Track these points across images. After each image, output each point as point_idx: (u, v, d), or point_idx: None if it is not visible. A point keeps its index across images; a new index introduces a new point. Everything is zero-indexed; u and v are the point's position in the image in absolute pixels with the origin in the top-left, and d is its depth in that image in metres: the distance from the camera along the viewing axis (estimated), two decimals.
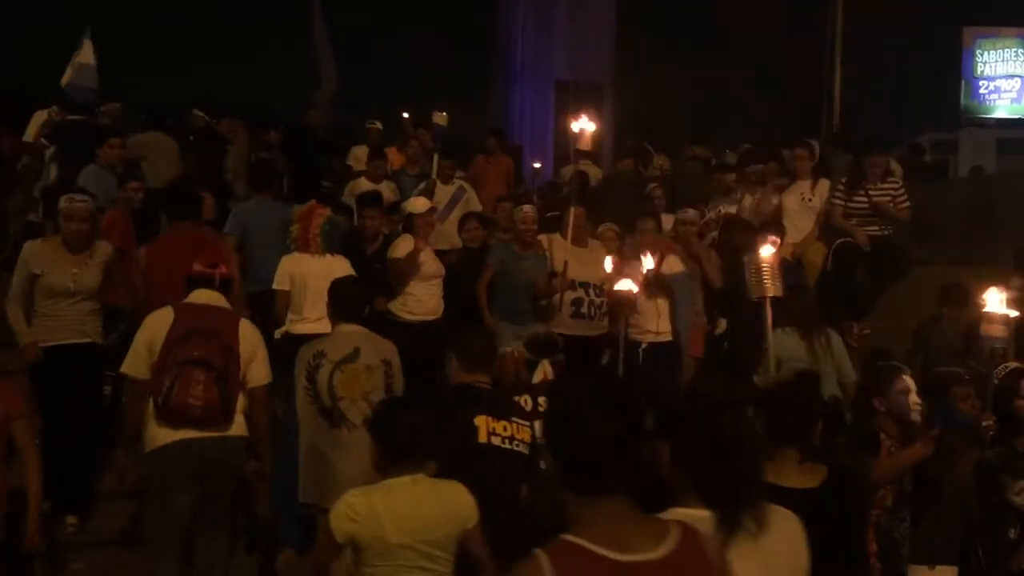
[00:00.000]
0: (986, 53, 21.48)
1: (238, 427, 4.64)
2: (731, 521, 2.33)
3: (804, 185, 8.33)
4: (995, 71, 21.42)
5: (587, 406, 2.10)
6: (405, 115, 11.93)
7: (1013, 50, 21.40)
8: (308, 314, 6.12)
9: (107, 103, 10.13)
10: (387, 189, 9.16)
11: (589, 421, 2.08)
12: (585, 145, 7.54)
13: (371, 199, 7.86)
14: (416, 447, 2.99)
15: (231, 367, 4.56)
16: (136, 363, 4.57)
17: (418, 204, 7.37)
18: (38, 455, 4.50)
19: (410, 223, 7.25)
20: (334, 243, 6.39)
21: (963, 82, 21.47)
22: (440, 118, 10.03)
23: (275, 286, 6.22)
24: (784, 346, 5.91)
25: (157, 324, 4.58)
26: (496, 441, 4.19)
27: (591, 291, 7.12)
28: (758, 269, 5.10)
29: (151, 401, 4.50)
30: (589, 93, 16.08)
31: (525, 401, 4.96)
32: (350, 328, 4.96)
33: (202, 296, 4.74)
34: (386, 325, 6.19)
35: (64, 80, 10.30)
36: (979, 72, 21.46)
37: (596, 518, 2.06)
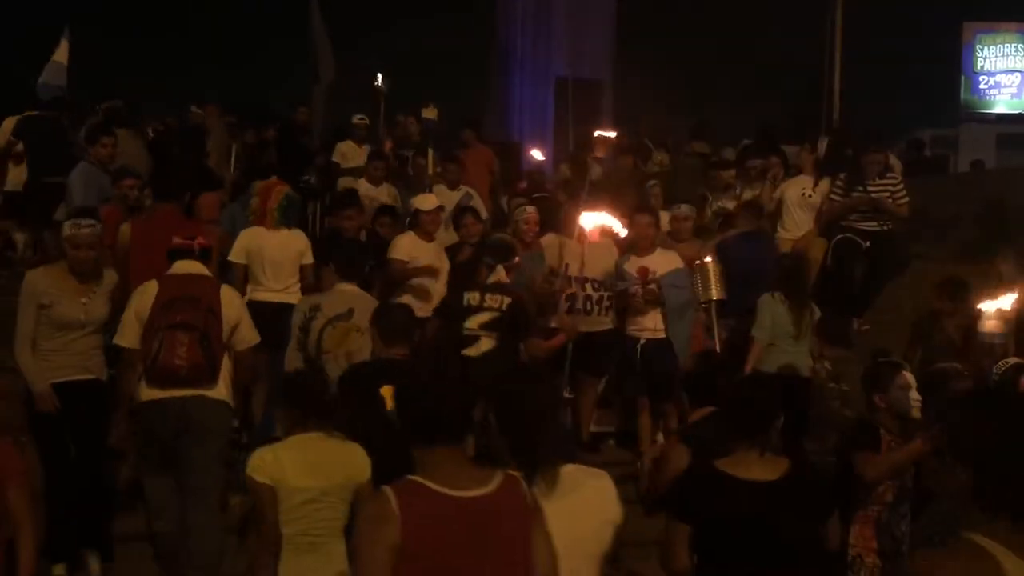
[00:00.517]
0: (986, 48, 21.48)
1: (221, 391, 4.87)
2: (528, 481, 2.73)
3: (806, 180, 8.35)
4: (995, 66, 21.43)
5: (428, 376, 2.80)
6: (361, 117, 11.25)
7: (1013, 45, 21.41)
8: (268, 284, 6.42)
9: (108, 101, 10.10)
10: (385, 193, 9.01)
11: (429, 387, 2.71)
12: (601, 153, 7.42)
13: (348, 199, 7.70)
14: (321, 410, 3.21)
15: (213, 328, 4.82)
16: (128, 334, 4.85)
17: (426, 201, 7.32)
18: (33, 523, 3.63)
19: (416, 220, 7.19)
20: (291, 219, 6.62)
21: (963, 77, 21.48)
22: (430, 112, 9.83)
23: (230, 258, 6.41)
24: (776, 312, 6.44)
25: (144, 296, 4.88)
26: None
27: (588, 286, 7.07)
28: (703, 274, 5.22)
29: (141, 365, 4.80)
30: (588, 90, 16.06)
31: (474, 297, 5.55)
32: (348, 288, 5.35)
33: (183, 266, 5.03)
34: None
35: (40, 79, 10.39)
36: (979, 67, 21.47)
37: (434, 463, 2.59)
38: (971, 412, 2.45)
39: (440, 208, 7.46)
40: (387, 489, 2.53)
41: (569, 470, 2.94)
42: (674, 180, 9.38)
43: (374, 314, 4.81)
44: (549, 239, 7.22)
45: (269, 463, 3.90)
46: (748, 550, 3.23)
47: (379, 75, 10.33)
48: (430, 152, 9.06)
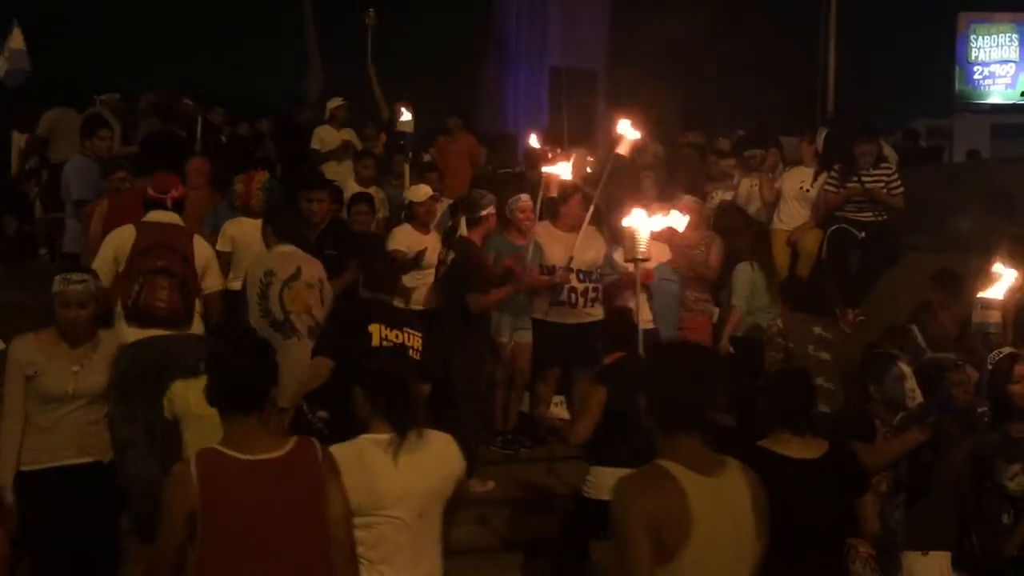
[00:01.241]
0: (980, 38, 21.45)
1: (196, 327, 5.23)
2: (400, 438, 3.32)
3: (806, 173, 8.32)
4: (989, 56, 21.40)
5: (232, 352, 3.13)
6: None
7: (1007, 35, 21.38)
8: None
9: (106, 93, 10.07)
10: (374, 195, 8.55)
11: (230, 362, 3.07)
12: (622, 150, 7.28)
13: (319, 182, 7.47)
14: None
15: (189, 274, 5.21)
16: (102, 270, 5.07)
17: (418, 192, 7.28)
18: None
19: (411, 212, 7.19)
20: (273, 203, 6.69)
21: (957, 68, 21.45)
22: (405, 125, 9.27)
23: (217, 247, 6.38)
24: (754, 281, 7.13)
25: (122, 238, 5.19)
26: (387, 346, 4.84)
27: (573, 277, 7.04)
28: (630, 235, 5.39)
29: (120, 305, 5.09)
30: (583, 80, 16.04)
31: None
32: (290, 249, 5.69)
33: (157, 216, 5.36)
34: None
35: (1, 72, 10.38)
36: (973, 57, 21.44)
37: (234, 431, 3.00)
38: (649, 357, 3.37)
39: (434, 198, 7.38)
40: (190, 457, 2.97)
41: (430, 433, 3.48)
42: (668, 171, 9.35)
43: (359, 264, 5.63)
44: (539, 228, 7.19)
45: (178, 397, 4.47)
46: (792, 523, 3.36)
47: (370, 10, 10.13)
48: (407, 169, 8.64)
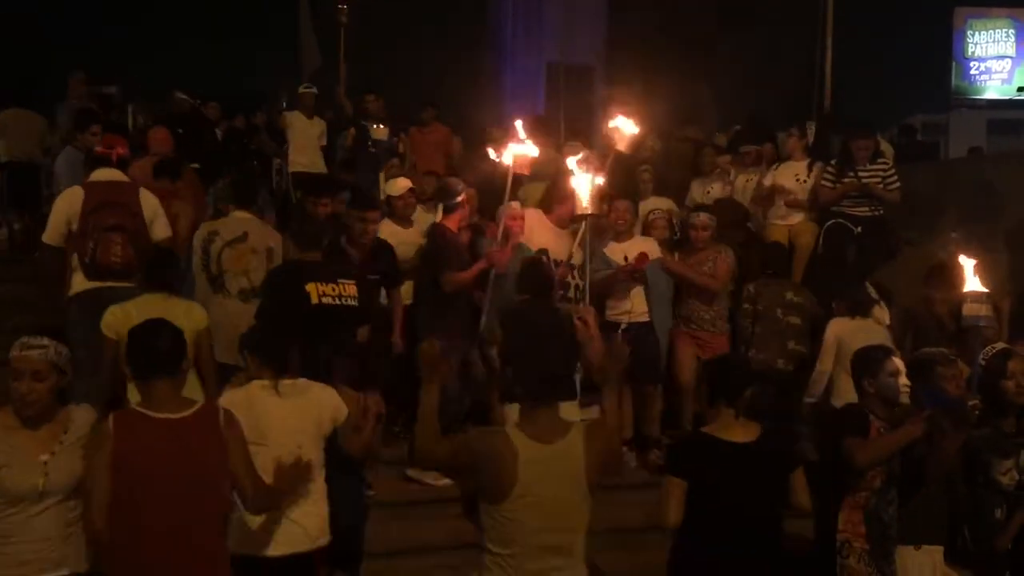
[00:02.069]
0: (977, 34, 21.46)
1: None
2: (276, 381, 4.08)
3: (799, 166, 8.32)
4: (986, 52, 21.41)
5: (142, 330, 3.60)
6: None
7: (1004, 30, 21.39)
8: None
9: (106, 87, 10.07)
10: None
11: (140, 339, 3.53)
12: (622, 146, 7.26)
13: (323, 187, 7.48)
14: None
15: (140, 229, 5.59)
16: (55, 234, 5.57)
17: (395, 186, 7.24)
18: None
19: (389, 206, 7.14)
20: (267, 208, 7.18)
21: (954, 63, 21.46)
22: (379, 132, 9.12)
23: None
24: None
25: (72, 200, 5.57)
26: (327, 301, 5.19)
27: (577, 274, 7.06)
28: (573, 193, 5.61)
29: (77, 260, 5.47)
30: (580, 76, 16.01)
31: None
32: (243, 214, 6.09)
33: (103, 174, 5.75)
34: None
35: None
36: (970, 53, 21.45)
37: (148, 393, 3.46)
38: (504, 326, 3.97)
39: (412, 190, 7.31)
40: (110, 416, 3.44)
41: (302, 381, 4.19)
42: (664, 165, 9.36)
43: (290, 225, 6.04)
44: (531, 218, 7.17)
45: (118, 318, 4.83)
46: (732, 502, 3.87)
47: (343, 6, 9.88)
48: (381, 177, 8.45)
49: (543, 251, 6.90)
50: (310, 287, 5.19)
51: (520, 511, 3.13)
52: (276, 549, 3.98)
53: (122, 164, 5.88)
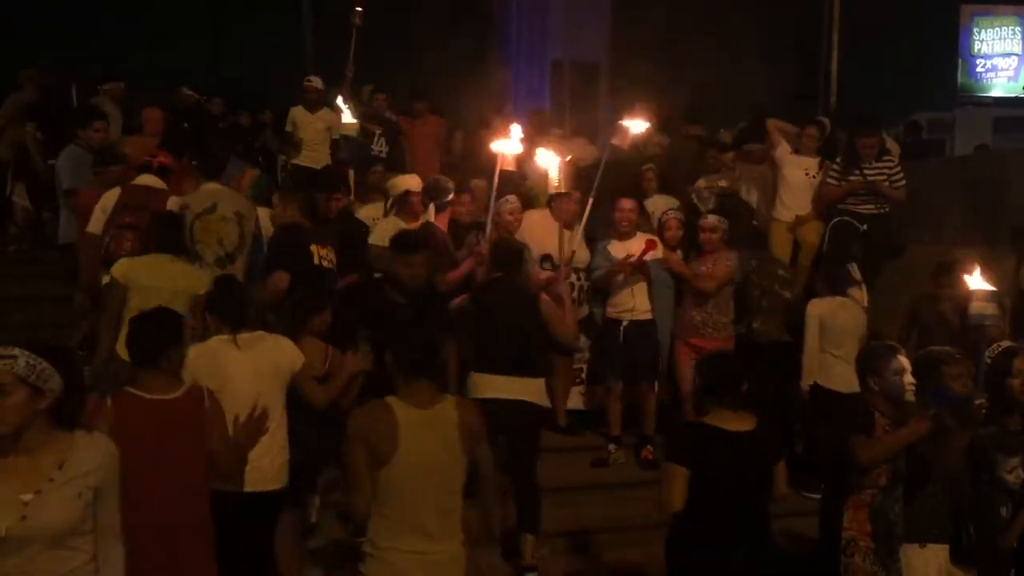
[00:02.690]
0: (983, 31, 21.43)
1: None
2: (235, 335, 4.63)
3: (809, 162, 8.27)
4: (992, 49, 21.39)
5: (138, 322, 4.01)
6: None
7: (1010, 28, 21.36)
8: None
9: (110, 83, 10.04)
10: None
11: (136, 330, 3.99)
12: (622, 142, 7.23)
13: (335, 181, 7.37)
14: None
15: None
16: (95, 225, 6.14)
17: (412, 181, 7.21)
18: None
19: (405, 201, 7.08)
20: (261, 198, 6.97)
21: (960, 60, 21.42)
22: (347, 128, 8.52)
23: None
24: None
25: (110, 198, 6.20)
26: (325, 264, 5.94)
27: (581, 276, 7.08)
28: (545, 174, 6.08)
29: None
30: (585, 73, 15.99)
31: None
32: (211, 185, 6.34)
33: (143, 179, 6.40)
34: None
35: None
36: (976, 50, 21.43)
37: (143, 377, 3.91)
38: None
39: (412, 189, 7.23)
40: (110, 397, 3.87)
41: (259, 333, 4.74)
42: (670, 163, 9.34)
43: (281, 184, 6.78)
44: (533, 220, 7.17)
45: (126, 268, 5.47)
46: (731, 488, 4.08)
47: (359, 8, 9.37)
48: (351, 174, 7.92)
49: (547, 256, 6.92)
50: (312, 248, 5.90)
51: (404, 469, 3.56)
52: (235, 486, 4.30)
53: (162, 172, 6.48)
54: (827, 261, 7.45)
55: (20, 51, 9.92)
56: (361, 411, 3.72)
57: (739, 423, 4.18)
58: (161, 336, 3.93)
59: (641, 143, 10.05)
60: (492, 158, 6.71)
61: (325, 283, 5.86)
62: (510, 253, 6.06)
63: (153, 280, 5.48)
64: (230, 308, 4.75)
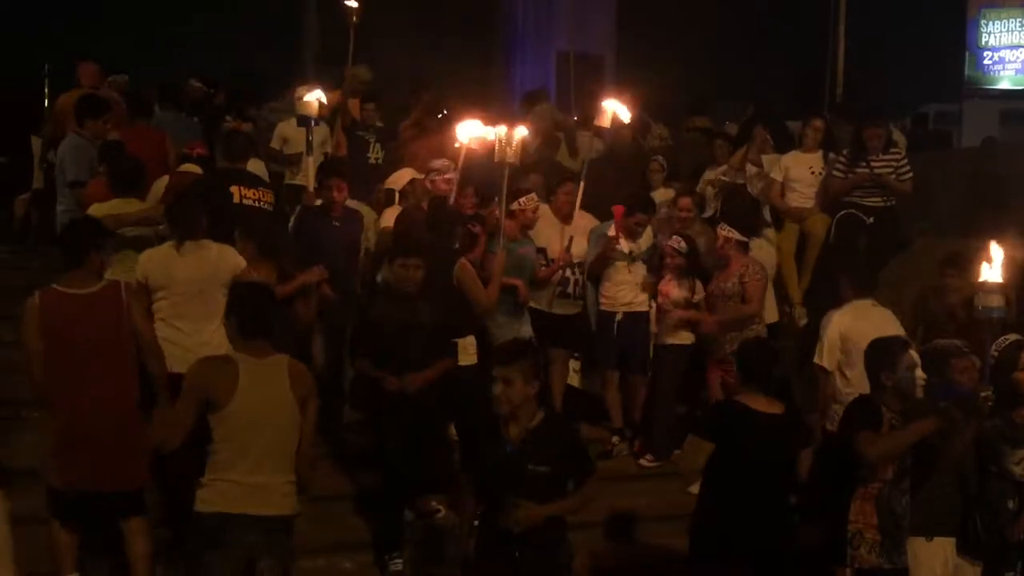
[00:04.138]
0: (991, 23, 21.31)
1: None
2: (181, 243, 5.34)
3: (813, 158, 8.21)
4: (999, 41, 21.27)
5: (65, 225, 4.98)
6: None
7: (1018, 20, 21.23)
8: None
9: (114, 75, 10.02)
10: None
11: (63, 233, 4.77)
12: (603, 122, 7.16)
13: (334, 167, 7.07)
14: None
15: None
16: (155, 204, 6.41)
17: (401, 179, 7.24)
18: None
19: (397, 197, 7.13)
20: None
21: (967, 53, 21.32)
22: (306, 107, 7.19)
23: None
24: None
25: (160, 184, 6.76)
26: (247, 201, 6.37)
27: (577, 269, 7.06)
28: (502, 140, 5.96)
29: None
30: (590, 64, 15.96)
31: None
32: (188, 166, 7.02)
33: (185, 167, 7.09)
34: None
35: None
36: (983, 43, 21.31)
37: (67, 276, 4.63)
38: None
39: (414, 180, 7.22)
40: (35, 294, 4.60)
41: (205, 242, 5.37)
42: (675, 155, 9.32)
43: (219, 140, 7.43)
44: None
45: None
46: (756, 464, 4.35)
47: (354, 5, 8.83)
48: (310, 163, 6.98)
49: (540, 249, 6.90)
50: (233, 189, 6.38)
51: (239, 409, 4.01)
52: (173, 367, 4.93)
53: (201, 161, 7.14)
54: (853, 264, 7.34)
55: (21, 46, 9.87)
56: (203, 362, 4.25)
57: (770, 406, 4.46)
58: (85, 240, 4.72)
59: (639, 133, 10.05)
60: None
61: (249, 220, 6.10)
62: (443, 214, 6.23)
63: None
64: (182, 218, 5.44)
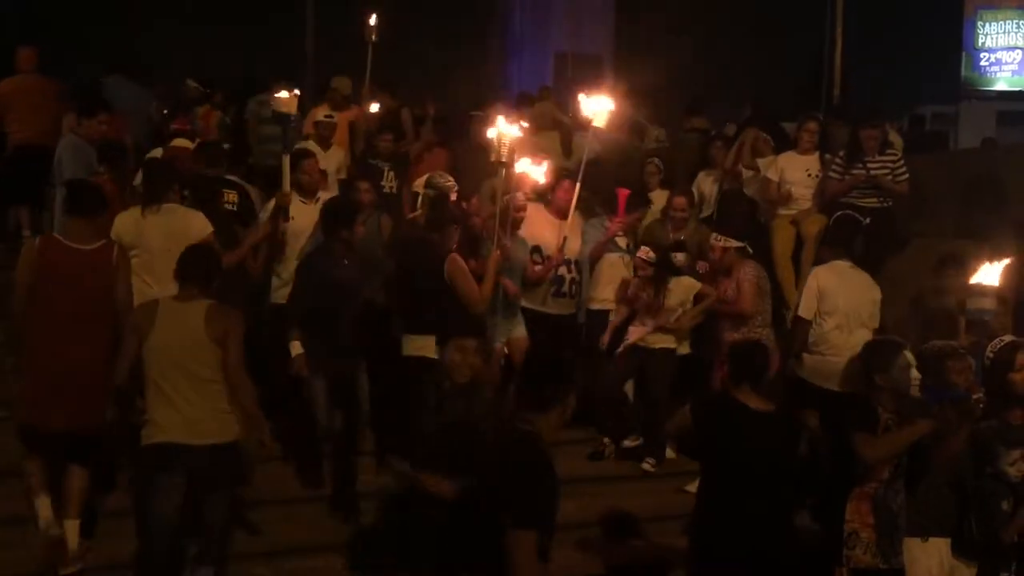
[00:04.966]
0: (987, 25, 21.38)
1: None
2: (149, 209, 5.90)
3: (809, 160, 8.22)
4: (996, 43, 21.34)
5: (72, 182, 5.93)
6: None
7: (1015, 22, 21.30)
8: None
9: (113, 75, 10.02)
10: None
11: (71, 186, 5.50)
12: (599, 122, 7.20)
13: (361, 171, 7.61)
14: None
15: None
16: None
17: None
18: None
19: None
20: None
21: (964, 54, 21.37)
22: (286, 103, 6.68)
23: None
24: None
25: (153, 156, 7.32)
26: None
27: (572, 267, 7.07)
28: (494, 141, 5.87)
29: None
30: (588, 65, 15.98)
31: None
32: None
33: (177, 141, 7.57)
34: None
35: None
36: (980, 44, 21.38)
37: (68, 227, 5.22)
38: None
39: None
40: (37, 238, 5.34)
41: (173, 206, 5.92)
42: (672, 156, 9.33)
43: (199, 147, 7.41)
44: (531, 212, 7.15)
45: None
46: (744, 460, 4.33)
47: (372, 23, 8.88)
48: (285, 160, 6.58)
49: (536, 247, 6.91)
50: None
51: (158, 344, 4.59)
52: None
53: (187, 135, 7.90)
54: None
55: (18, 40, 9.83)
56: (139, 304, 4.98)
57: (761, 404, 4.45)
58: (94, 202, 5.24)
59: (639, 136, 10.07)
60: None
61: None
62: (443, 213, 6.16)
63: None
64: (153, 187, 5.99)
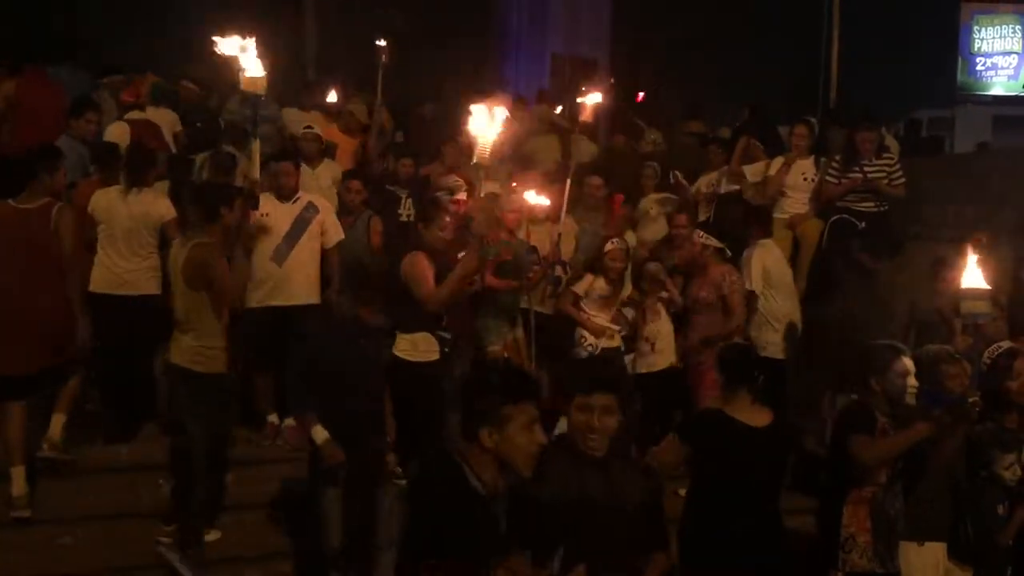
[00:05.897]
0: (983, 29, 21.42)
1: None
2: (126, 190, 6.46)
3: (806, 164, 8.23)
4: (992, 48, 21.38)
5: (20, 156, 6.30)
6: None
7: (1011, 27, 21.34)
8: None
9: (109, 76, 9.97)
10: None
11: (18, 163, 6.06)
12: (586, 117, 7.15)
13: (355, 172, 7.53)
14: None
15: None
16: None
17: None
18: None
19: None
20: (164, 101, 8.75)
21: (960, 58, 21.41)
22: (253, 84, 5.69)
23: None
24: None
25: (116, 128, 7.91)
26: None
27: (568, 268, 7.05)
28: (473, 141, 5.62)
29: None
30: (584, 67, 15.97)
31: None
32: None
33: (133, 114, 8.35)
34: None
35: None
36: (976, 48, 21.41)
37: (24, 194, 5.78)
38: None
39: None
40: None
41: (145, 189, 6.40)
42: (669, 160, 9.33)
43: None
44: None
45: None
46: (738, 479, 4.22)
47: (382, 43, 8.72)
48: (255, 145, 5.77)
49: (532, 247, 6.89)
50: (200, 158, 7.50)
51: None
52: (99, 288, 6.32)
53: (139, 108, 8.57)
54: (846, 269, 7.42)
55: (21, 43, 9.81)
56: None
57: (757, 418, 4.34)
58: (38, 163, 5.78)
59: (636, 139, 10.07)
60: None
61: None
62: (432, 204, 6.15)
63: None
64: (137, 169, 6.45)
